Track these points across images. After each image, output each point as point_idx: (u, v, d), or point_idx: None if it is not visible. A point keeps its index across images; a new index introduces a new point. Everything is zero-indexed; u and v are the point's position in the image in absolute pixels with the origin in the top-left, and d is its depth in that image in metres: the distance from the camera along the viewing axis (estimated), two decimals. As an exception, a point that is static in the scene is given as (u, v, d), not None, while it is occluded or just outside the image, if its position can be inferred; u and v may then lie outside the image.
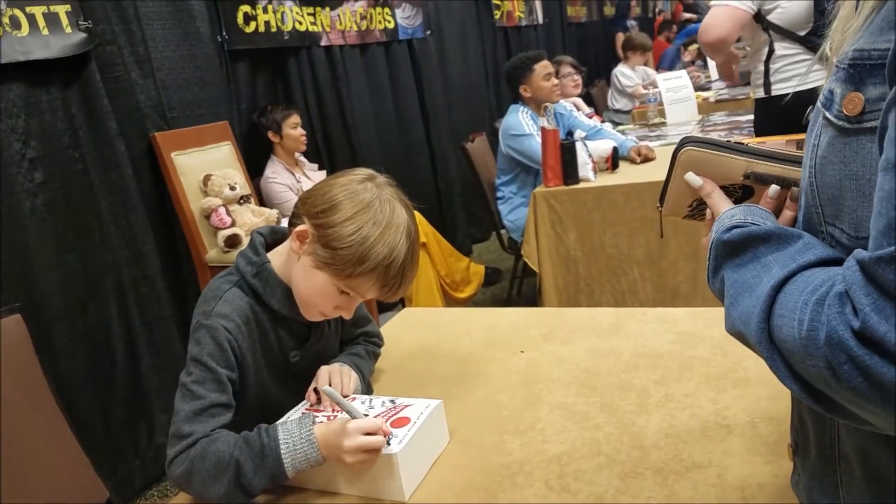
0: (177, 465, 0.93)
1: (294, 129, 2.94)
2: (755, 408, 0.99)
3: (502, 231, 3.45)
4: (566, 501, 0.85)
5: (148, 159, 2.48)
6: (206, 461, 0.91)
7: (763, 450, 0.89)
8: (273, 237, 1.15)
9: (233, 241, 2.45)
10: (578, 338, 1.33)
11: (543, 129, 2.80)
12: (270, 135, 2.92)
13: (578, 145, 2.73)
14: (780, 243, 0.58)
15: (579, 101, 4.24)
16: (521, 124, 3.19)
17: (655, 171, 2.80)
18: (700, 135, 0.80)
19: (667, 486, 0.85)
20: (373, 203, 0.99)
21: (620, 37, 6.63)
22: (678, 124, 4.09)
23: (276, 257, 1.09)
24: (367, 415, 0.97)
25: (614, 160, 2.89)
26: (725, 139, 0.77)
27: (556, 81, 3.28)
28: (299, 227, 1.02)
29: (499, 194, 3.44)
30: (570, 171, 2.71)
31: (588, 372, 1.19)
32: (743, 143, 0.74)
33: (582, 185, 2.73)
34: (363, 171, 1.05)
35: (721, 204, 0.73)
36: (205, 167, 2.55)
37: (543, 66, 3.25)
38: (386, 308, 3.33)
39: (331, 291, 1.02)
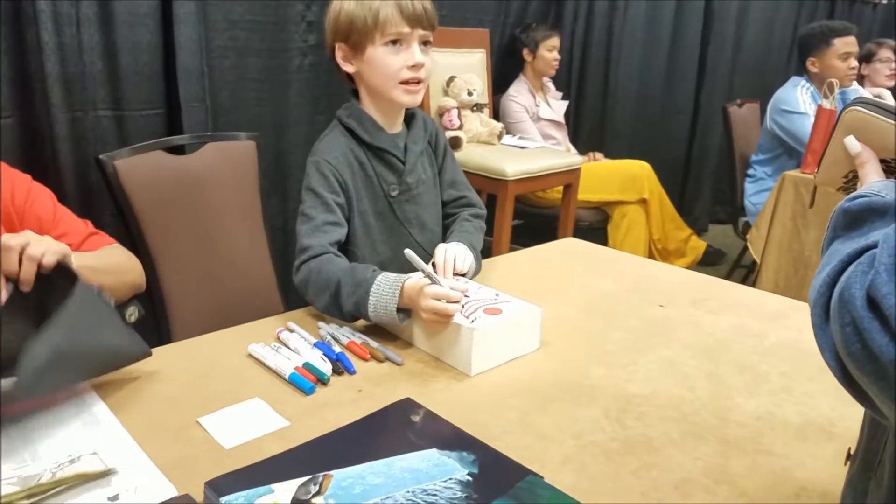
0: (300, 273, 1.10)
1: (550, 51, 2.95)
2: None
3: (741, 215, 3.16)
4: (615, 433, 0.83)
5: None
6: (319, 275, 1.07)
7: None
8: None
9: (454, 143, 2.58)
10: (728, 312, 1.23)
11: (820, 108, 2.47)
12: (525, 52, 2.96)
13: (852, 135, 2.36)
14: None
15: (887, 93, 3.59)
16: (797, 100, 2.84)
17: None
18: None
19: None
20: None
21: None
22: None
23: (361, 96, 1.22)
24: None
25: (894, 163, 2.45)
26: None
27: (854, 64, 2.83)
28: (337, 55, 1.17)
29: (750, 171, 3.15)
30: (831, 161, 2.37)
31: (717, 342, 1.10)
32: None
33: (841, 179, 2.38)
34: None
35: (872, 176, 0.64)
36: (453, 69, 2.69)
37: (845, 43, 2.83)
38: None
39: (387, 56, 1.13)
